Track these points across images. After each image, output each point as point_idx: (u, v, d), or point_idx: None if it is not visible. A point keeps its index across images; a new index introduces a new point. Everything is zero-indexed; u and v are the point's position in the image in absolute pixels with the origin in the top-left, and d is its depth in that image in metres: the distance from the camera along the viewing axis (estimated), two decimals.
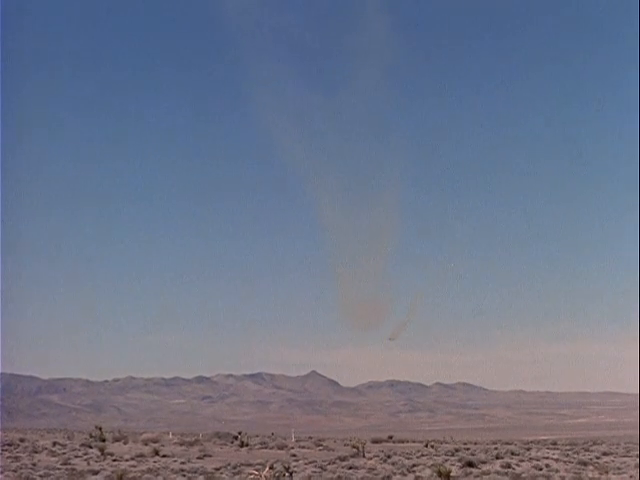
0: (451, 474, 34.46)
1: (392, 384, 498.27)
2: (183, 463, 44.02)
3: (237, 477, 35.68)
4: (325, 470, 39.80)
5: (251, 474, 31.27)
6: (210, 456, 50.00)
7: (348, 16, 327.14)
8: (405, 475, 37.44)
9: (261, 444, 63.67)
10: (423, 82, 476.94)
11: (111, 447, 54.09)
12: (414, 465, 41.85)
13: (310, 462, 44.61)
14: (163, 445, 58.20)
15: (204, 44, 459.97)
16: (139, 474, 36.22)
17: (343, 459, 46.52)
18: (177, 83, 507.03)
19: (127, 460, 44.95)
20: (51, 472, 36.92)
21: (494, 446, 65.53)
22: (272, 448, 59.45)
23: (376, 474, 37.72)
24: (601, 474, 36.78)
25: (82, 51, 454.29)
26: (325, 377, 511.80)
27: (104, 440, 60.63)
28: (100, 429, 65.74)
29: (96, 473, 36.92)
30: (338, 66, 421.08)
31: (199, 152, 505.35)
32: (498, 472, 37.85)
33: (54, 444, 57.78)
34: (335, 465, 42.86)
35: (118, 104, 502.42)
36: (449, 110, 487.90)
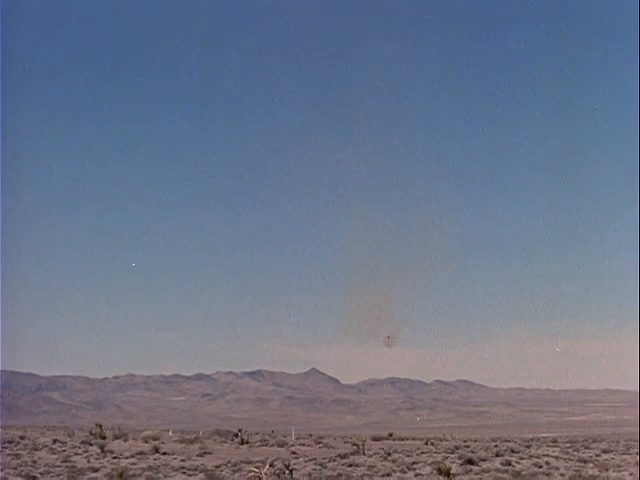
0: (451, 472, 34.48)
1: (392, 381, 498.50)
2: (183, 460, 44.07)
3: (237, 474, 35.74)
4: (325, 467, 39.84)
5: (251, 471, 31.29)
6: (210, 453, 50.05)
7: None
8: (405, 473, 37.46)
9: (261, 441, 63.79)
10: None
11: (111, 444, 54.15)
12: (414, 463, 41.87)
13: (310, 459, 44.65)
14: (163, 442, 58.25)
15: (207, 43, 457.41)
16: (139, 471, 36.28)
17: (343, 456, 46.51)
18: (184, 84, 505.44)
19: (127, 458, 44.99)
20: (51, 469, 37.00)
21: (494, 444, 65.51)
22: (272, 445, 59.53)
23: (376, 471, 37.77)
24: (601, 472, 36.79)
25: (83, 50, 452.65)
26: (325, 374, 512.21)
27: (104, 437, 60.70)
28: (100, 426, 65.80)
29: (96, 470, 36.99)
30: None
31: (202, 153, 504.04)
32: (498, 470, 37.87)
33: (54, 441, 57.82)
34: (335, 462, 42.88)
35: (120, 105, 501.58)
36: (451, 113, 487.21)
